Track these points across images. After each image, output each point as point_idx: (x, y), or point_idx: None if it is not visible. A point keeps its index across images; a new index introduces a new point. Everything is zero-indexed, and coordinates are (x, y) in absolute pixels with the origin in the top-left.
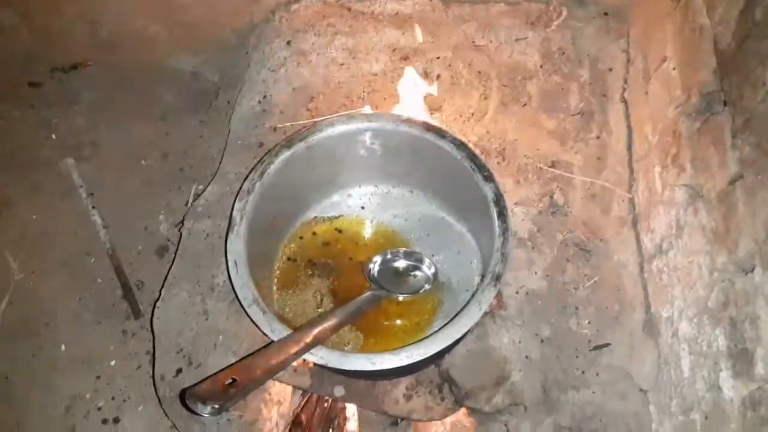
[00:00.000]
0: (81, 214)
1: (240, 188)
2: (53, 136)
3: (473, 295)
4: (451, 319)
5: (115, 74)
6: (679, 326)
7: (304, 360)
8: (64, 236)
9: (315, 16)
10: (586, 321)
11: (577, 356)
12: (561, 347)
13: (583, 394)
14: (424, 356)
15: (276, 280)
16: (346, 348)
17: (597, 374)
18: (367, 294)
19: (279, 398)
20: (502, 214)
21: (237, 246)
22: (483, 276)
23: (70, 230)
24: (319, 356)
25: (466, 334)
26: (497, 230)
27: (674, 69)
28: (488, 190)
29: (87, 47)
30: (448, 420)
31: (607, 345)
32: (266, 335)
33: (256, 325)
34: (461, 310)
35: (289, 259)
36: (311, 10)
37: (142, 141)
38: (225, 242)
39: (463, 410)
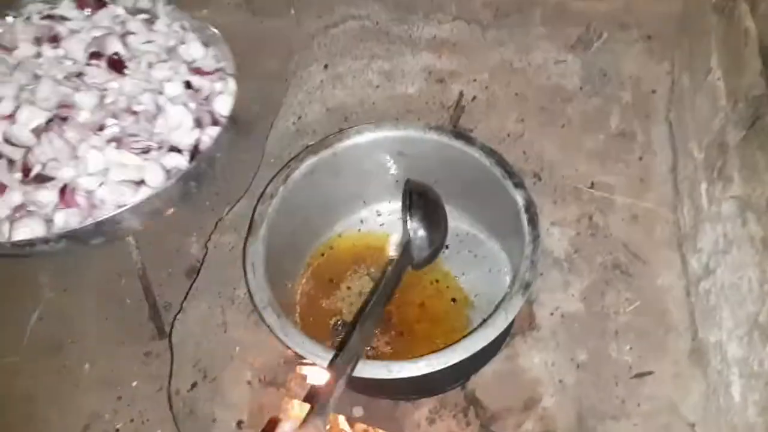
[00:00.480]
0: None
1: (263, 192)
2: None
3: (499, 304)
4: (475, 329)
5: None
6: (728, 348)
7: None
8: (97, 256)
9: (353, 40)
10: (627, 347)
11: (616, 384)
12: (599, 373)
13: (622, 426)
14: (445, 365)
15: (298, 297)
16: None
17: (638, 404)
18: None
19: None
20: (533, 220)
21: (256, 249)
22: (512, 284)
23: (102, 251)
24: None
25: (493, 346)
26: (527, 237)
27: (719, 79)
28: (518, 197)
29: None
30: None
31: (650, 373)
32: (280, 339)
33: (270, 329)
34: (486, 319)
35: (312, 273)
36: (350, 34)
37: None
38: (244, 245)
39: None
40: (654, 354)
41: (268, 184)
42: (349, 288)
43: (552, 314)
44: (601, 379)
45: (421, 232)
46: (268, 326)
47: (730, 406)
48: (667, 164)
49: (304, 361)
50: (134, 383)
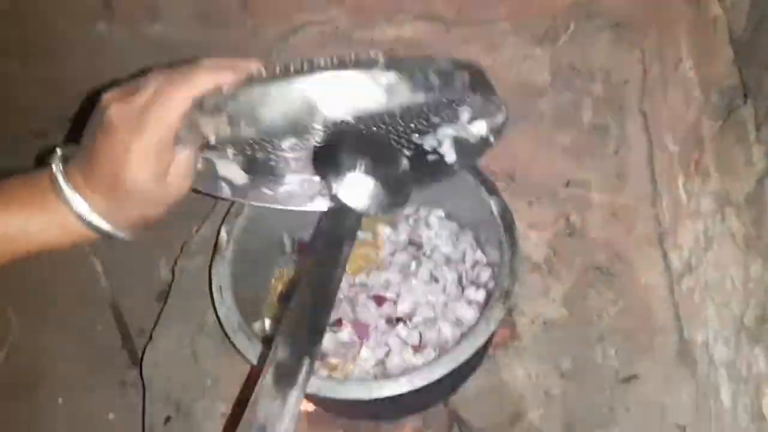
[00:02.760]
0: (82, 262)
1: (227, 211)
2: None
3: (481, 314)
4: (457, 342)
5: None
6: (714, 350)
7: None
8: (65, 284)
9: (312, 47)
10: (613, 351)
11: (603, 390)
12: (585, 381)
13: None
14: (428, 381)
15: (268, 319)
16: None
17: (628, 410)
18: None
19: None
20: (509, 228)
21: (222, 270)
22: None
23: (70, 278)
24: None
25: (475, 359)
26: (504, 245)
27: (691, 69)
28: (493, 204)
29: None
30: None
31: (637, 377)
32: (253, 366)
33: (241, 354)
34: (467, 331)
35: (280, 294)
36: (309, 42)
37: None
38: (209, 267)
39: None
40: (640, 356)
41: (231, 204)
42: None
43: (533, 322)
44: (588, 387)
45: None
46: (240, 352)
47: (720, 412)
48: (644, 157)
49: None
50: (110, 416)
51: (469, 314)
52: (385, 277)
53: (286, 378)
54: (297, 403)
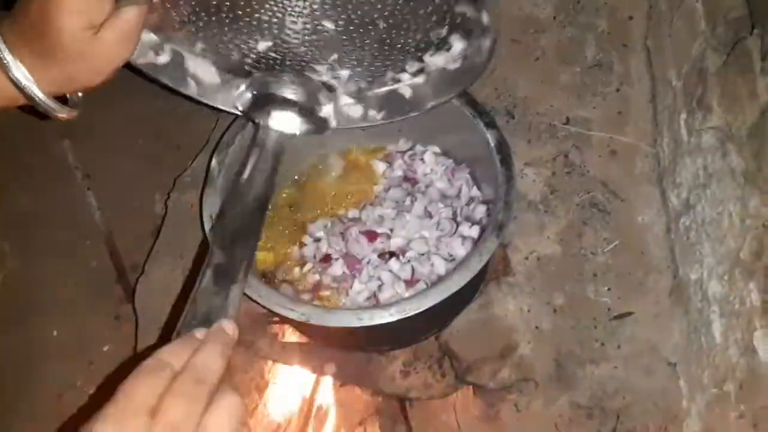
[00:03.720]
0: (77, 197)
1: (219, 141)
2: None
3: (474, 246)
4: (448, 273)
5: None
6: (708, 286)
7: (284, 319)
8: (60, 220)
9: None
10: (606, 288)
11: (595, 327)
12: (577, 317)
13: (603, 369)
14: (418, 310)
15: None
16: None
17: (618, 347)
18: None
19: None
20: (506, 161)
21: (213, 200)
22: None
23: (65, 213)
24: (299, 312)
25: (467, 291)
26: (500, 178)
27: (697, 1)
28: (490, 137)
29: None
30: (458, 403)
31: (630, 314)
32: (245, 294)
33: None
34: (460, 263)
35: (277, 220)
36: None
37: (139, 120)
38: (200, 198)
39: (471, 391)
40: (634, 294)
41: (224, 133)
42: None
43: (527, 258)
44: (580, 323)
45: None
46: None
47: (711, 346)
48: (646, 95)
49: (273, 318)
50: (105, 348)
51: (462, 250)
52: (378, 213)
53: (225, 277)
54: (238, 297)
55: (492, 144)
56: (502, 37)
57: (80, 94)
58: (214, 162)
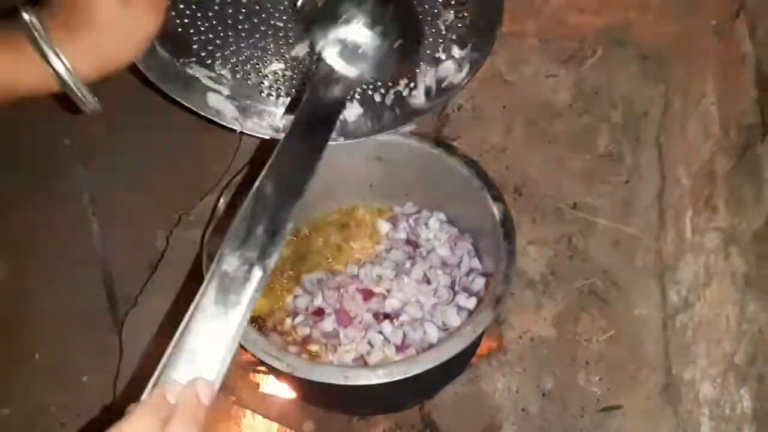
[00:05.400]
0: (79, 222)
1: (228, 182)
2: (66, 141)
3: (469, 317)
4: (440, 342)
5: (139, 86)
6: (700, 388)
7: (269, 368)
8: (58, 242)
9: None
10: (597, 378)
11: (582, 416)
12: (565, 403)
13: None
14: (406, 375)
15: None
16: None
17: None
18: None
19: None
20: (509, 235)
21: (216, 240)
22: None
23: (65, 236)
24: (285, 363)
25: (457, 363)
26: (502, 251)
27: (713, 104)
28: (496, 210)
29: None
30: None
31: (618, 407)
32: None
33: None
34: (453, 332)
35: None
36: None
37: (156, 154)
38: (202, 236)
39: None
40: (624, 387)
41: (235, 175)
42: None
43: (521, 337)
44: (567, 411)
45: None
46: None
47: None
48: (654, 190)
49: (258, 367)
50: (84, 378)
51: (456, 321)
52: (377, 272)
53: (230, 294)
54: (240, 328)
55: (497, 217)
56: (518, 118)
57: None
58: (221, 202)
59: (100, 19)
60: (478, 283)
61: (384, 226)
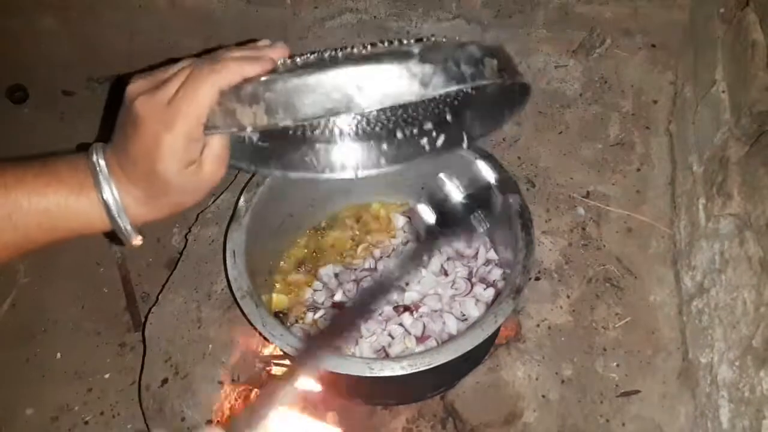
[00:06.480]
0: None
1: (249, 180)
2: (76, 147)
3: (489, 308)
4: (463, 332)
5: None
6: (718, 371)
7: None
8: (76, 242)
9: (349, 33)
10: (615, 364)
11: (601, 402)
12: (584, 390)
13: None
14: (429, 366)
15: (277, 286)
16: None
17: (623, 424)
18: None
19: None
20: (526, 226)
21: (238, 237)
22: (498, 294)
23: (82, 238)
24: None
25: (478, 352)
26: (520, 242)
27: (723, 92)
28: (513, 201)
29: (125, 58)
30: None
31: (636, 392)
32: (256, 329)
33: (247, 319)
34: (475, 322)
35: (297, 266)
36: (346, 27)
37: None
38: (225, 232)
39: None
40: (642, 372)
41: (254, 173)
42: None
43: (539, 326)
44: (586, 397)
45: None
46: (246, 316)
47: None
48: (666, 177)
49: (283, 361)
50: (107, 375)
51: (475, 311)
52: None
53: None
54: None
55: (514, 209)
56: (529, 108)
57: None
58: (242, 201)
59: (175, 184)
60: (495, 273)
61: (400, 220)
